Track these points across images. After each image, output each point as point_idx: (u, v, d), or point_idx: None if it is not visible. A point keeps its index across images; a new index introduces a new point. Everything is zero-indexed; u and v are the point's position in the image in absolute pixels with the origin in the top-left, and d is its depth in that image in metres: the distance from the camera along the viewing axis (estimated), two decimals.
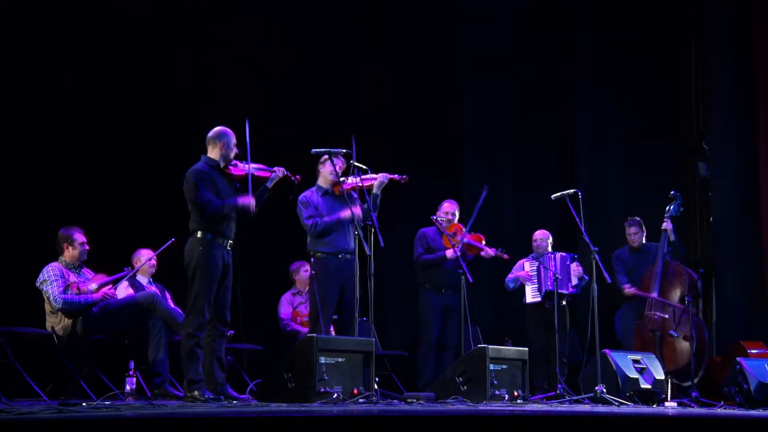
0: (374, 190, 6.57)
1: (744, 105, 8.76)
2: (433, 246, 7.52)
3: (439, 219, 7.48)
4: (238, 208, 5.90)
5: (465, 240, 7.34)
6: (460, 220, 7.56)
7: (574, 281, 7.88)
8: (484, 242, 7.50)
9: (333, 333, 6.75)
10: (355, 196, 6.53)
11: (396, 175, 6.58)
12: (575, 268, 7.86)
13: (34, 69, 7.62)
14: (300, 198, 6.62)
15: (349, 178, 6.46)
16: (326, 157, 6.48)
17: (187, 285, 5.90)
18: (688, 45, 9.78)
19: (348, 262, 6.49)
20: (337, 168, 6.49)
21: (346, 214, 6.39)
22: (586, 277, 7.79)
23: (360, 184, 6.43)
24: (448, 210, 7.53)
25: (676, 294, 7.66)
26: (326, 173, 6.61)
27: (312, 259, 6.62)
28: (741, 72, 8.79)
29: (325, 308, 6.42)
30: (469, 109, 9.76)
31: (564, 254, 7.93)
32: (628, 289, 7.89)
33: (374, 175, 6.54)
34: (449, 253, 7.32)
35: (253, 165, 5.96)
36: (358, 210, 6.32)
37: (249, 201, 5.87)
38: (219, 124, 6.06)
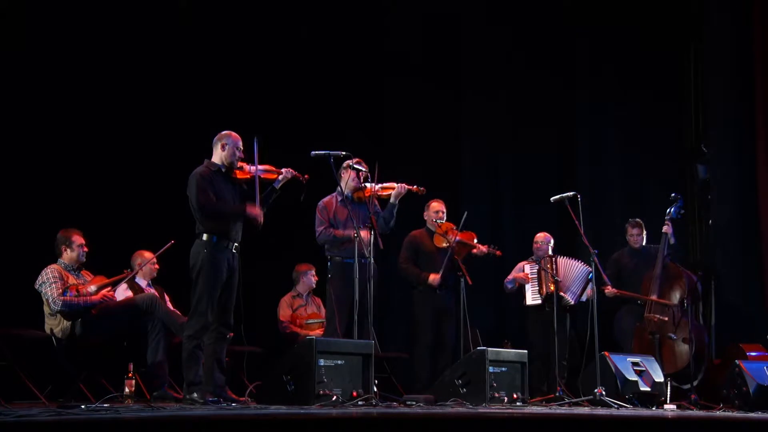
0: (392, 200, 6.71)
1: (743, 108, 8.77)
2: (423, 249, 7.50)
3: (435, 220, 7.47)
4: (245, 216, 5.90)
5: (456, 239, 7.32)
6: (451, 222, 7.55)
7: (583, 297, 7.90)
8: (476, 240, 7.48)
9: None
10: (376, 203, 6.70)
11: (414, 187, 6.70)
12: (589, 292, 7.85)
13: (32, 70, 7.62)
14: (319, 204, 6.78)
15: (369, 185, 6.53)
16: (348, 163, 6.62)
17: (187, 287, 5.90)
18: (687, 48, 9.79)
19: (363, 267, 6.48)
20: (360, 175, 6.63)
21: (353, 234, 6.41)
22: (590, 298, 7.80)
23: (378, 193, 6.53)
24: (438, 209, 7.50)
25: (675, 296, 7.65)
26: (347, 180, 6.71)
27: (329, 263, 6.74)
28: (740, 75, 8.81)
29: (341, 311, 6.50)
30: (468, 111, 9.77)
31: (585, 268, 7.92)
32: (609, 290, 7.85)
33: (393, 184, 6.66)
34: (432, 279, 7.31)
35: (260, 167, 5.97)
36: (365, 233, 6.37)
37: (257, 213, 5.87)
38: (219, 126, 6.06)
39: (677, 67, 9.78)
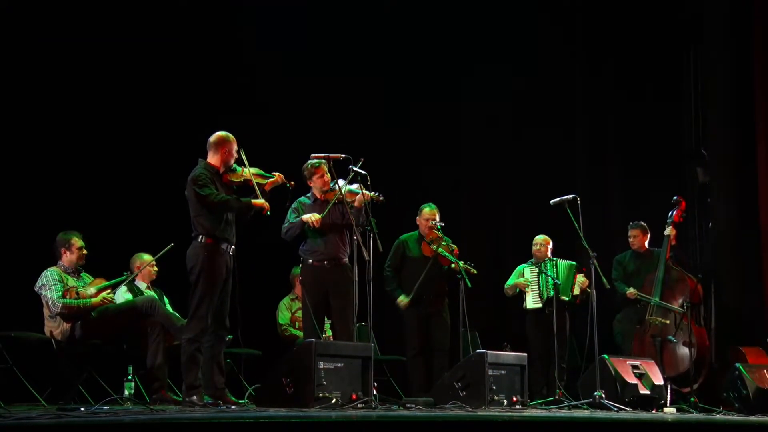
0: (356, 204, 6.46)
1: (743, 111, 8.76)
2: (409, 255, 7.46)
3: (434, 225, 7.43)
4: (253, 209, 5.89)
5: (438, 251, 7.24)
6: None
7: (576, 290, 7.89)
8: (457, 255, 7.31)
9: (330, 338, 6.76)
10: (344, 203, 6.44)
11: (375, 194, 6.39)
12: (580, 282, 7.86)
13: (32, 71, 7.62)
14: (293, 203, 6.64)
15: (336, 186, 6.42)
16: (314, 165, 6.55)
17: (186, 289, 5.89)
18: (687, 51, 9.78)
19: (336, 269, 6.47)
20: (326, 177, 6.53)
21: (306, 217, 6.44)
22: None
23: (340, 197, 6.38)
24: (429, 217, 7.43)
25: (677, 299, 7.65)
26: (317, 181, 6.62)
27: (301, 266, 6.65)
28: (740, 78, 8.80)
29: (315, 314, 6.44)
30: (466, 113, 9.77)
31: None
32: (631, 293, 7.85)
33: (357, 190, 6.38)
34: (400, 303, 7.30)
35: (252, 169, 5.97)
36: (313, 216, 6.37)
37: (261, 203, 5.87)
38: (216, 128, 6.06)
39: (677, 68, 9.78)
